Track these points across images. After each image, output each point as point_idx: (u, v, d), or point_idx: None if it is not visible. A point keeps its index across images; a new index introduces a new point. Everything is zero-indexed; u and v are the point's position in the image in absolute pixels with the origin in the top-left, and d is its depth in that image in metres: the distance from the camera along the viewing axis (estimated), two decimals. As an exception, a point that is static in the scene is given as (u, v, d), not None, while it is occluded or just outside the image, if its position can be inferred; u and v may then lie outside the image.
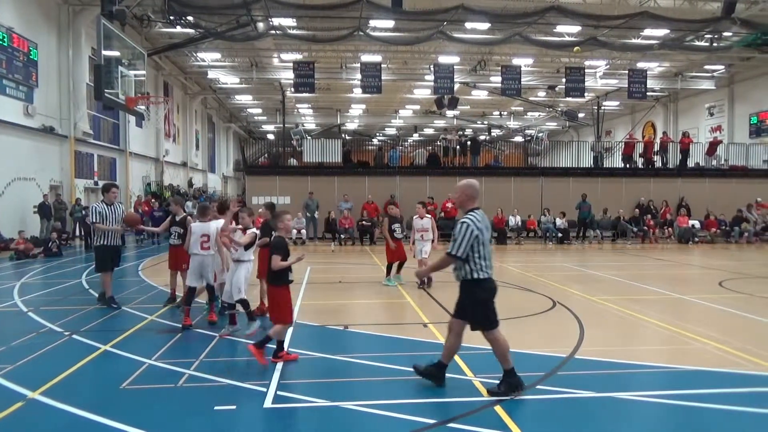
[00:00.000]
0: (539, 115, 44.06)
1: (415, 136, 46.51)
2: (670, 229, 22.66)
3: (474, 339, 6.93)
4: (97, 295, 9.32)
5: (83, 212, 19.45)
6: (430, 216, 11.85)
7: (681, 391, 5.12)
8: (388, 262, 11.31)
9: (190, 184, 36.12)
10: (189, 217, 8.64)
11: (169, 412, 4.69)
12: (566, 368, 5.78)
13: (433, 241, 11.28)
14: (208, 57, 29.16)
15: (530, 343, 6.82)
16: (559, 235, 21.76)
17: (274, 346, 5.95)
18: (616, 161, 26.84)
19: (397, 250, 11.17)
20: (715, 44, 23.43)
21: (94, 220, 8.88)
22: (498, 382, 5.03)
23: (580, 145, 27.35)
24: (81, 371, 5.70)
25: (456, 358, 6.08)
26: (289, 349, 6.23)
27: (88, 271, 13.26)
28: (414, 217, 11.60)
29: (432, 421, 4.37)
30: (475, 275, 4.90)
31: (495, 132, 46.02)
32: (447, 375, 5.37)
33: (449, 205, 22.02)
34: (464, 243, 4.84)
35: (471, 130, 44.42)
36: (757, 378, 5.51)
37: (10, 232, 17.46)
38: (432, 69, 26.86)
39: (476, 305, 4.99)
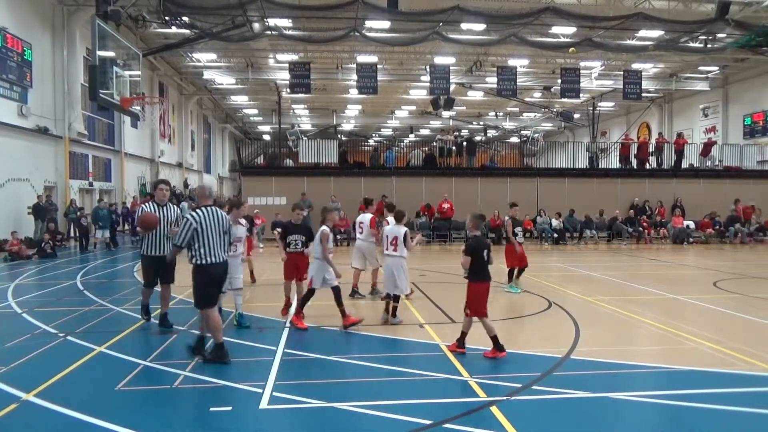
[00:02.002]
0: (535, 116, 44.17)
1: (411, 137, 46.53)
2: (665, 230, 22.75)
3: (473, 340, 6.95)
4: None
5: (78, 213, 19.40)
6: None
7: (676, 391, 5.14)
8: (509, 267, 10.56)
9: (186, 184, 36.02)
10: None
11: (164, 414, 4.68)
12: (562, 368, 5.79)
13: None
14: (203, 57, 29.10)
15: (526, 344, 6.84)
16: (555, 235, 21.81)
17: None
18: (612, 162, 26.91)
19: (520, 254, 10.44)
20: (709, 45, 23.53)
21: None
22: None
23: (575, 146, 27.44)
24: (76, 373, 5.68)
25: (452, 359, 6.10)
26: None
27: (82, 273, 13.22)
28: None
29: (428, 422, 4.37)
30: (197, 261, 5.89)
31: (491, 133, 46.08)
32: (444, 376, 5.37)
33: (446, 206, 22.06)
34: (183, 234, 5.87)
35: (467, 131, 44.48)
36: (751, 378, 5.53)
37: (4, 233, 17.37)
38: (428, 70, 26.89)
39: (196, 287, 5.98)
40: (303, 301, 7.62)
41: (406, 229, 7.94)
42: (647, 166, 25.61)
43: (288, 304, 8.27)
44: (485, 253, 6.25)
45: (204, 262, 5.87)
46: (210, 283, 5.94)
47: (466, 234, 20.17)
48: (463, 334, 6.29)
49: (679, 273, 14.40)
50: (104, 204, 20.20)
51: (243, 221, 8.00)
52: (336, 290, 7.45)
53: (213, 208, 6.08)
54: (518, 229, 10.68)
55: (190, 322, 7.86)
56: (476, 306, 6.20)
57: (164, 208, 7.39)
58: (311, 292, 7.58)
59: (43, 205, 18.80)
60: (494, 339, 6.12)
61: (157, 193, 7.39)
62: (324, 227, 7.50)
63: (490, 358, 6.09)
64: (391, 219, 8.78)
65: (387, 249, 7.90)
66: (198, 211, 5.96)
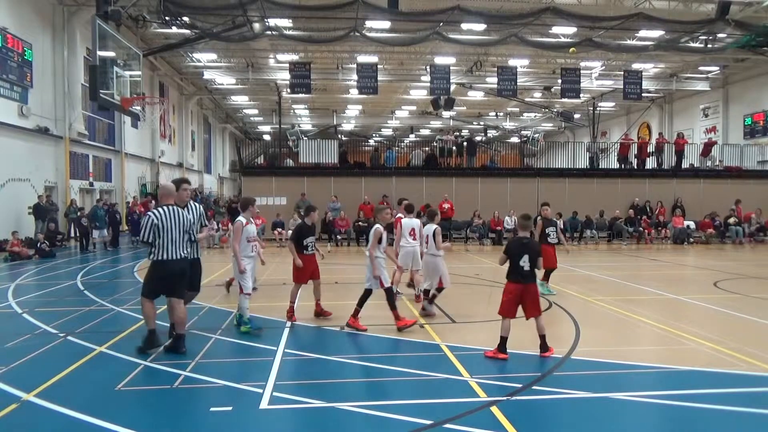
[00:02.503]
0: (535, 116, 44.16)
1: (412, 137, 46.54)
2: (665, 230, 22.74)
3: (473, 340, 6.95)
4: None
5: (78, 213, 19.40)
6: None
7: (676, 392, 5.14)
8: (543, 268, 9.72)
9: (186, 184, 35.97)
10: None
11: (165, 414, 4.69)
12: (562, 369, 5.79)
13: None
14: (203, 57, 29.10)
15: (526, 344, 6.83)
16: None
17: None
18: (612, 162, 26.90)
19: (553, 255, 10.07)
20: (709, 46, 23.53)
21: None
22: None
23: (575, 146, 27.42)
24: (76, 373, 5.68)
25: (452, 358, 6.10)
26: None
27: (82, 273, 13.22)
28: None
29: (428, 422, 4.37)
30: (154, 257, 6.23)
31: (491, 133, 46.09)
32: (444, 376, 5.37)
33: (446, 206, 22.04)
34: (145, 230, 6.17)
35: (467, 131, 44.48)
36: (751, 378, 5.53)
37: (5, 233, 17.37)
38: (428, 70, 26.89)
39: (149, 278, 6.39)
40: (361, 301, 7.56)
41: (436, 226, 8.37)
42: (647, 165, 25.61)
43: (292, 308, 8.12)
44: (526, 257, 6.18)
45: (160, 258, 6.17)
46: (163, 278, 6.24)
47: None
48: (543, 337, 6.26)
49: (680, 273, 14.40)
50: (101, 204, 20.20)
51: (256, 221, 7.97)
52: (388, 292, 7.40)
53: (174, 207, 6.31)
54: (551, 230, 10.27)
55: (191, 322, 7.85)
56: (501, 304, 6.29)
57: (185, 208, 6.66)
58: (379, 292, 7.53)
59: (43, 206, 18.81)
60: (503, 340, 6.14)
61: (180, 194, 6.69)
62: (378, 225, 7.52)
63: (490, 357, 6.10)
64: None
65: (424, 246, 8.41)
66: (159, 209, 6.23)
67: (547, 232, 10.15)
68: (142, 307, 6.42)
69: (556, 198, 23.17)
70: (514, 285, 6.23)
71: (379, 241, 7.42)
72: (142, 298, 6.39)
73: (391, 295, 7.40)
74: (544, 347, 6.18)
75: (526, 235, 6.56)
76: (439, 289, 8.35)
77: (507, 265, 6.34)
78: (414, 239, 9.07)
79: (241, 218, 7.52)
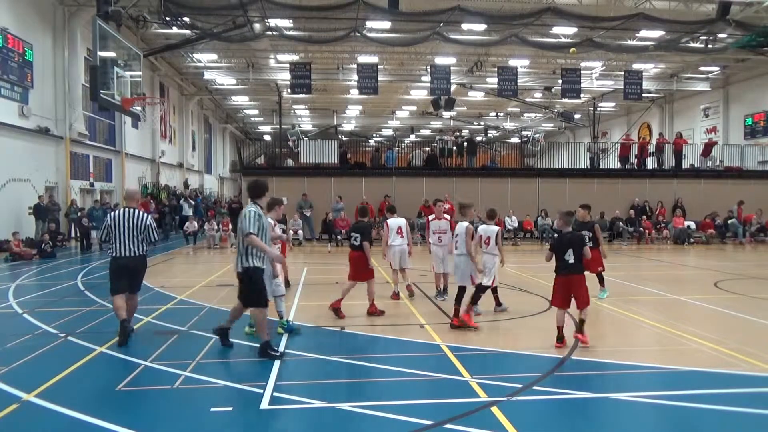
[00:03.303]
0: (535, 116, 44.15)
1: (412, 137, 46.54)
2: (666, 230, 22.72)
3: (471, 340, 6.95)
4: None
5: (78, 213, 19.41)
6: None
7: (677, 392, 5.13)
8: (594, 272, 9.33)
9: (186, 185, 36.04)
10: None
11: (165, 414, 4.69)
12: (563, 369, 5.79)
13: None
14: (204, 58, 29.09)
15: (527, 344, 6.85)
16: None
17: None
18: (613, 162, 26.89)
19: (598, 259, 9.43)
20: (710, 46, 23.52)
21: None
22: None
23: (576, 146, 27.42)
24: (77, 373, 5.68)
25: (453, 359, 6.10)
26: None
27: (83, 273, 13.23)
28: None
29: (429, 422, 4.37)
30: (111, 254, 6.96)
31: (491, 133, 46.08)
32: (444, 376, 5.36)
33: (446, 206, 21.99)
34: (102, 230, 7.08)
35: (467, 131, 44.47)
36: (752, 378, 5.52)
37: (5, 233, 17.38)
38: (428, 70, 26.87)
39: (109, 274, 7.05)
40: (474, 298, 7.77)
41: (498, 228, 8.40)
42: (647, 165, 25.60)
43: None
44: (570, 251, 6.60)
45: (114, 255, 6.90)
46: (116, 272, 6.90)
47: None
48: (581, 321, 6.62)
49: (680, 273, 14.40)
50: (98, 204, 20.21)
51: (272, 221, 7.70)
52: (463, 289, 7.56)
53: (131, 209, 7.02)
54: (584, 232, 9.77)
55: (191, 322, 7.88)
56: (552, 296, 6.82)
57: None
58: (481, 288, 7.81)
59: (45, 206, 18.83)
60: (559, 330, 6.56)
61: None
62: (466, 223, 7.68)
63: (579, 339, 6.53)
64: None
65: (482, 246, 8.23)
66: (115, 211, 7.10)
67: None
68: (113, 303, 6.94)
69: (556, 198, 23.22)
70: (562, 278, 6.66)
71: (471, 237, 7.69)
72: (112, 296, 6.92)
73: (477, 293, 7.73)
74: (579, 329, 6.57)
75: (569, 230, 6.99)
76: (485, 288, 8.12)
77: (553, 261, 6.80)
78: (402, 237, 9.50)
79: (269, 219, 7.18)
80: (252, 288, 6.21)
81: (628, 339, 7.31)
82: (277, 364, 5.87)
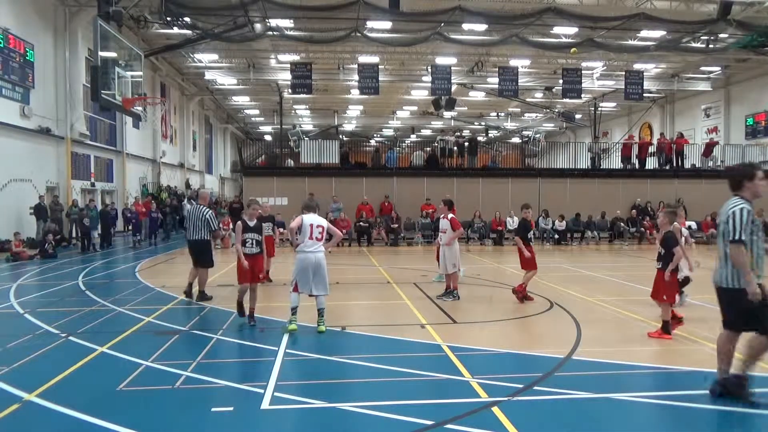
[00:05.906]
0: (536, 117, 44.14)
1: (413, 137, 46.54)
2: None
3: (474, 340, 6.95)
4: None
5: (79, 214, 19.42)
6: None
7: (677, 392, 5.14)
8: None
9: (188, 185, 36.07)
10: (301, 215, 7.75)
11: (166, 414, 4.69)
12: (564, 369, 5.79)
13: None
14: (205, 58, 29.10)
15: (528, 344, 6.85)
16: (556, 236, 21.80)
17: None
18: (613, 162, 26.87)
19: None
20: (711, 46, 23.51)
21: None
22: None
23: (577, 147, 27.41)
24: (78, 373, 5.69)
25: (454, 359, 6.10)
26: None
27: (84, 273, 13.24)
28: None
29: (430, 422, 4.37)
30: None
31: (492, 133, 46.07)
32: (445, 376, 5.37)
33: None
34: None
35: (468, 132, 44.47)
36: (752, 379, 5.51)
37: (6, 233, 17.40)
38: (429, 70, 26.88)
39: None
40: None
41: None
42: (647, 165, 25.59)
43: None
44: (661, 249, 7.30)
45: (187, 238, 8.72)
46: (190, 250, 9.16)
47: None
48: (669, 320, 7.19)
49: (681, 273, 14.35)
50: (92, 204, 20.23)
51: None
52: None
53: (199, 206, 9.39)
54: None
55: (192, 322, 7.89)
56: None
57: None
58: None
59: (44, 205, 18.84)
60: (666, 323, 7.08)
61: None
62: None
63: (654, 338, 7.01)
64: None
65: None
66: (188, 206, 8.46)
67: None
68: None
69: (557, 198, 23.25)
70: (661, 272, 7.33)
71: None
72: None
73: None
74: (665, 328, 7.10)
75: (670, 230, 7.55)
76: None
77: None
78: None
79: (303, 217, 7.51)
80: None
81: (629, 339, 7.30)
82: (278, 363, 5.87)
